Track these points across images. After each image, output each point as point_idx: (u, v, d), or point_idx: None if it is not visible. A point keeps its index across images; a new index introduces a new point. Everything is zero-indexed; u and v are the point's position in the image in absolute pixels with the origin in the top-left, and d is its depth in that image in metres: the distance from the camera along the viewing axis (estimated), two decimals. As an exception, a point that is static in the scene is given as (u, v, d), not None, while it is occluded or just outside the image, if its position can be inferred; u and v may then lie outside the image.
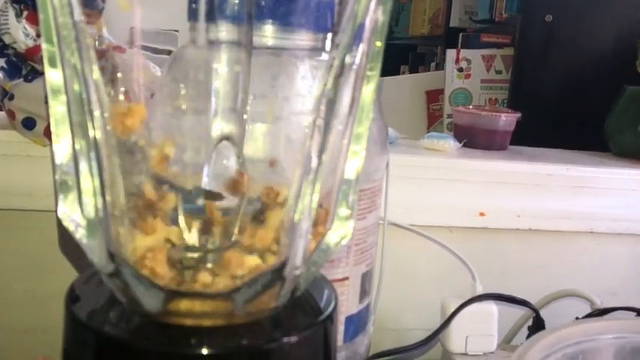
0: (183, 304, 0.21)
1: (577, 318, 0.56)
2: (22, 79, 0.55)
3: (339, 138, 0.24)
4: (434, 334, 0.53)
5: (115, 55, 0.25)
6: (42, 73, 0.55)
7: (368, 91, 0.24)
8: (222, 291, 0.21)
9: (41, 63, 0.55)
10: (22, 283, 0.59)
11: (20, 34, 0.53)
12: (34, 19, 0.53)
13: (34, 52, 0.54)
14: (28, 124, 0.55)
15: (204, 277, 0.21)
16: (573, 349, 0.40)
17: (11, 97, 0.55)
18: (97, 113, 0.21)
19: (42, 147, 0.56)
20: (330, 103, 0.23)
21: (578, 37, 0.99)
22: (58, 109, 0.22)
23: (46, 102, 0.56)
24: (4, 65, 0.54)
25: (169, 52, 0.34)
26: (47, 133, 0.55)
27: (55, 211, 0.23)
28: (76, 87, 0.21)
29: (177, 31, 0.33)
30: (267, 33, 0.34)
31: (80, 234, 0.22)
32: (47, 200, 0.56)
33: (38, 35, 0.54)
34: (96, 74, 0.21)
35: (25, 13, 0.53)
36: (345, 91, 0.23)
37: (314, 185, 0.22)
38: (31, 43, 0.53)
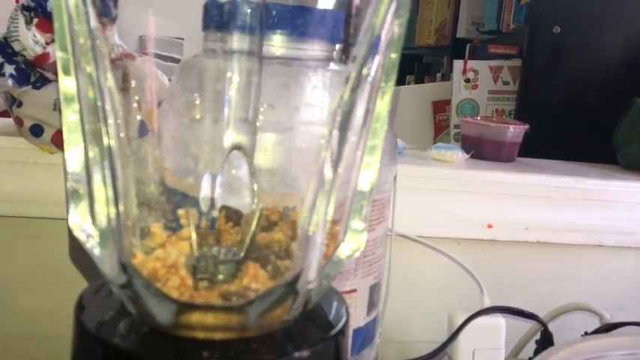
0: (196, 317, 0.21)
1: (586, 333, 0.56)
2: (30, 86, 0.55)
3: (352, 150, 0.24)
4: (441, 347, 0.53)
5: (127, 63, 0.25)
6: (50, 81, 0.55)
7: (383, 104, 0.24)
8: (235, 304, 0.21)
9: (50, 70, 0.55)
10: (28, 290, 0.58)
11: (30, 41, 0.53)
12: (43, 27, 0.54)
13: (42, 60, 0.54)
14: (36, 131, 0.55)
15: (217, 290, 0.21)
16: (584, 365, 0.40)
17: (19, 104, 0.55)
18: (111, 121, 0.21)
19: (49, 154, 0.56)
20: (345, 115, 0.22)
21: (586, 48, 0.99)
22: (70, 117, 0.22)
23: (55, 109, 0.56)
24: (13, 72, 0.54)
25: (177, 60, 0.34)
26: (55, 140, 0.55)
27: (66, 220, 0.22)
28: (91, 95, 0.20)
29: (182, 39, 0.33)
30: (279, 43, 0.34)
31: (91, 244, 0.22)
32: (54, 208, 0.55)
33: (47, 43, 0.54)
34: (110, 82, 0.21)
35: (35, 20, 0.53)
36: (360, 103, 0.23)
37: (329, 198, 0.22)
38: (40, 50, 0.53)
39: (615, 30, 1.00)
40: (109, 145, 0.21)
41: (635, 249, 0.68)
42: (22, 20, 0.52)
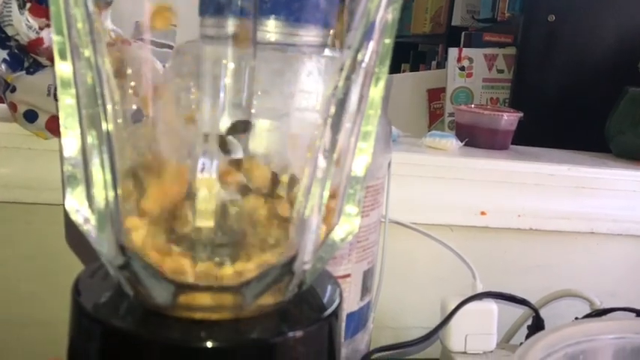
0: (193, 298, 0.21)
1: (576, 318, 0.56)
2: (24, 72, 0.55)
3: (346, 136, 0.24)
4: (434, 330, 0.53)
5: (123, 49, 0.25)
6: (44, 66, 0.55)
7: (377, 90, 0.24)
8: (231, 284, 0.21)
9: (44, 55, 0.54)
10: (22, 276, 0.58)
11: (23, 26, 0.53)
12: (37, 12, 0.53)
13: (36, 45, 0.54)
14: (30, 116, 0.55)
15: (214, 271, 0.21)
16: (574, 349, 0.40)
17: (13, 90, 0.54)
18: (109, 105, 0.21)
19: (43, 140, 0.56)
20: (340, 102, 0.23)
21: (581, 37, 1.00)
22: (67, 101, 0.22)
23: (49, 95, 0.56)
24: (7, 57, 0.54)
25: (171, 48, 0.34)
26: (49, 126, 0.55)
27: (63, 204, 0.23)
28: (89, 79, 0.21)
29: (175, 25, 0.33)
30: (273, 28, 0.34)
31: (88, 227, 0.22)
32: (48, 193, 0.55)
33: (41, 28, 0.53)
34: (107, 66, 0.21)
35: (28, 5, 0.53)
36: (354, 90, 0.23)
37: (324, 182, 0.22)
38: (33, 35, 0.53)
39: (610, 19, 1.00)
40: (107, 130, 0.21)
41: (626, 236, 0.68)
42: (15, 5, 0.52)
